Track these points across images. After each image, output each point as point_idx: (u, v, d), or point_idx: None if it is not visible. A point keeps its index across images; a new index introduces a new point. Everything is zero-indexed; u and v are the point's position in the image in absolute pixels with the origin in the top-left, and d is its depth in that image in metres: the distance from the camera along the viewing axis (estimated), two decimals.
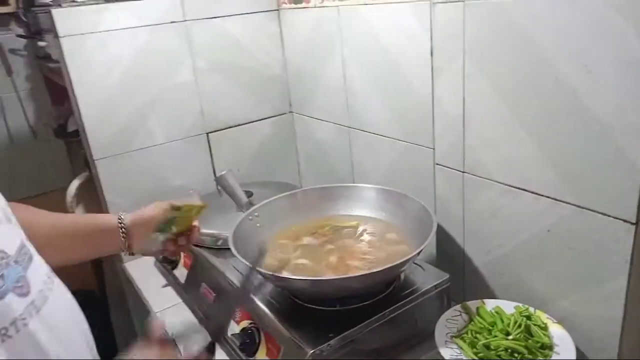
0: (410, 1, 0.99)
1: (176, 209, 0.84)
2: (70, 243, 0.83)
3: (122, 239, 0.84)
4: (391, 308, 0.86)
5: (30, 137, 2.08)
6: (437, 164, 0.99)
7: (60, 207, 1.50)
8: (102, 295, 1.97)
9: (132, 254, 0.87)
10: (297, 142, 1.56)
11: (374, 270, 0.81)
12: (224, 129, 1.44)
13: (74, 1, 1.24)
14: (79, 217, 0.89)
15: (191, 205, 0.86)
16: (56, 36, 1.17)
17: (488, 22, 0.81)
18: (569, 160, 0.76)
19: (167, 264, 1.21)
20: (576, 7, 0.68)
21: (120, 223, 0.84)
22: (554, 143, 0.77)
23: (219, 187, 1.22)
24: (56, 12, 1.15)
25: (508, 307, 0.85)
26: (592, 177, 0.73)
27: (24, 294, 0.56)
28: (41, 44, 1.70)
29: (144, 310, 1.19)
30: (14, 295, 0.54)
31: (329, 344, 0.79)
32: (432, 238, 0.86)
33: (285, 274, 0.85)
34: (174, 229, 0.86)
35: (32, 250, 0.63)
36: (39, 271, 0.61)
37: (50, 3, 1.46)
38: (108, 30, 1.21)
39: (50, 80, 1.91)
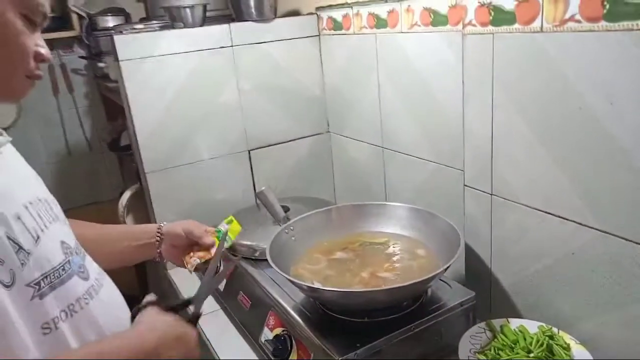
0: (443, 31, 1.05)
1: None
2: (112, 249, 0.92)
3: (156, 244, 0.93)
4: (417, 322, 0.90)
5: (86, 150, 2.24)
6: (466, 186, 1.03)
7: (112, 215, 1.61)
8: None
9: (162, 260, 0.95)
10: (334, 160, 1.63)
11: (401, 284, 0.86)
12: (264, 147, 1.52)
13: (134, 28, 1.36)
14: (122, 226, 0.99)
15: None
16: (116, 59, 1.28)
17: (516, 53, 0.85)
18: (592, 186, 0.78)
19: None
20: (602, 42, 0.72)
21: (159, 231, 0.93)
22: (578, 169, 0.80)
23: (258, 202, 1.29)
24: (117, 38, 1.26)
25: (532, 326, 0.88)
26: (615, 203, 0.76)
27: (85, 279, 0.68)
28: (100, 65, 1.85)
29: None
30: (78, 278, 0.66)
31: (355, 353, 0.83)
32: (459, 256, 0.90)
33: (316, 285, 0.91)
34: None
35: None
36: (93, 264, 0.74)
37: (112, 29, 1.60)
38: (163, 55, 1.32)
39: (106, 98, 2.07)
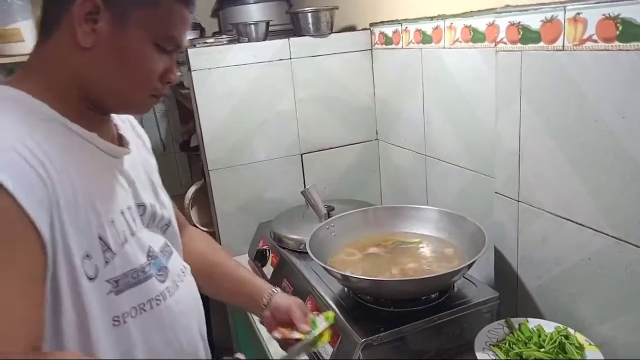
0: (480, 47, 1.12)
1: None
2: (221, 289, 0.97)
3: (262, 308, 0.92)
4: (438, 315, 0.97)
5: (160, 150, 2.48)
6: (496, 193, 1.09)
7: (179, 207, 1.80)
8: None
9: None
10: (381, 166, 1.72)
11: (424, 276, 0.94)
12: (316, 151, 1.64)
13: (205, 42, 1.53)
14: (240, 271, 0.97)
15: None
16: (189, 69, 1.46)
17: (541, 69, 0.92)
18: (607, 194, 0.83)
19: (258, 261, 1.42)
20: (616, 60, 0.78)
21: (269, 297, 0.92)
22: (595, 179, 0.85)
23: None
24: (191, 51, 1.44)
25: (549, 326, 0.93)
26: (628, 211, 0.80)
27: (162, 281, 0.74)
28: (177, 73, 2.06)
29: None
30: (155, 280, 0.72)
31: (378, 336, 0.93)
32: (483, 254, 0.96)
33: (348, 273, 1.01)
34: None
35: (174, 248, 0.81)
36: (176, 264, 0.80)
37: (187, 43, 1.80)
38: (229, 66, 1.48)
39: (180, 104, 2.29)
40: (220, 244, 1.58)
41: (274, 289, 0.94)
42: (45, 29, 0.67)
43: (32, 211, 0.54)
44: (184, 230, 0.97)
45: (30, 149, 0.57)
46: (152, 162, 0.88)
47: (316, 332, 0.86)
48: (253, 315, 1.25)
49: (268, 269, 1.37)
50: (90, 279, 0.62)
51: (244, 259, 1.53)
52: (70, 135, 0.65)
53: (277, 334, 0.89)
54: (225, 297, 1.03)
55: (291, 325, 0.87)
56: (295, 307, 0.89)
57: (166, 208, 0.84)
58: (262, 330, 1.19)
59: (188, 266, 0.84)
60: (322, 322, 0.88)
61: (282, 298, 0.92)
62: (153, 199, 0.80)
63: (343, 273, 1.00)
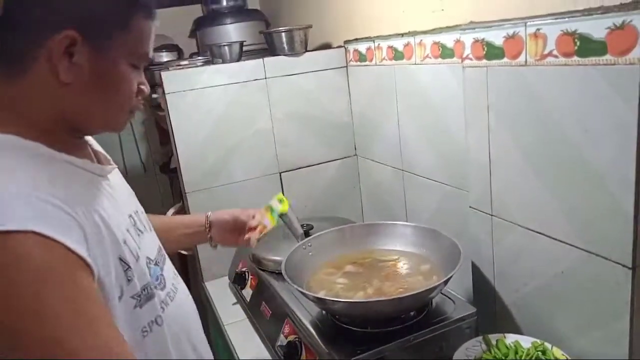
0: (449, 63, 1.13)
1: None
2: (169, 237, 1.04)
3: (206, 231, 1.07)
4: (417, 334, 0.96)
5: (141, 171, 2.46)
6: (471, 207, 1.09)
7: None
8: None
9: (214, 245, 1.10)
10: (361, 182, 1.72)
11: (399, 296, 0.94)
12: (295, 169, 1.64)
13: (179, 65, 1.53)
14: (177, 217, 1.17)
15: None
16: (163, 92, 1.46)
17: (506, 84, 0.92)
18: (576, 207, 0.83)
19: (237, 284, 1.41)
20: (576, 74, 0.78)
21: (207, 220, 1.08)
22: (564, 192, 0.85)
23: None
24: (164, 74, 1.44)
25: (526, 342, 0.92)
26: (595, 224, 0.80)
27: (162, 288, 0.77)
28: (154, 95, 2.05)
29: (218, 324, 1.39)
30: (157, 289, 0.74)
31: (356, 359, 0.91)
32: (459, 269, 0.96)
33: (321, 295, 1.00)
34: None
35: (163, 250, 0.85)
36: (170, 268, 0.83)
37: (164, 64, 1.80)
38: (204, 88, 1.48)
39: (159, 126, 2.27)
40: (200, 267, 1.57)
41: (207, 213, 1.08)
42: (12, 65, 0.64)
43: (73, 245, 0.57)
44: None
45: (53, 194, 0.59)
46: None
47: (279, 209, 1.10)
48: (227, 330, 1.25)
49: (247, 292, 1.36)
50: (119, 298, 0.65)
51: (224, 282, 1.51)
52: (71, 169, 0.67)
53: (251, 243, 1.04)
54: (178, 246, 1.19)
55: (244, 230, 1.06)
56: (237, 213, 1.08)
57: (142, 209, 0.87)
58: (232, 336, 1.24)
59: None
60: (275, 203, 1.11)
61: (219, 214, 1.08)
62: (136, 203, 0.84)
63: (317, 296, 0.99)
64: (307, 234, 1.29)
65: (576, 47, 0.77)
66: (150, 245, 0.79)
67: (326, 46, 1.72)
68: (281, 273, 1.24)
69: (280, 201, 1.12)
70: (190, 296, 0.87)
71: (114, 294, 0.64)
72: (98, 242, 0.62)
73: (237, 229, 1.08)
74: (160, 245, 0.84)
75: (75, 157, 0.68)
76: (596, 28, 0.73)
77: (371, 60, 1.48)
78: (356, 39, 1.54)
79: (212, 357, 0.88)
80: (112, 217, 0.68)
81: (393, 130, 1.43)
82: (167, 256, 0.85)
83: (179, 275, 0.87)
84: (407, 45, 1.29)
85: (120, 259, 0.66)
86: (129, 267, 0.67)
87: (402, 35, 1.29)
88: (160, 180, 2.45)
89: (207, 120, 1.50)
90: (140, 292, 0.69)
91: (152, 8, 0.70)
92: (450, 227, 1.18)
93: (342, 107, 1.66)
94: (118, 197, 0.75)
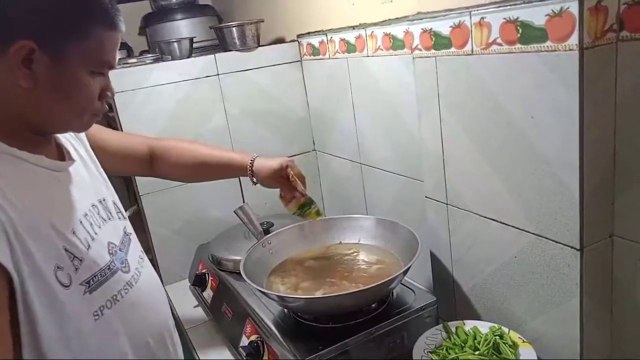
0: (401, 54, 1.13)
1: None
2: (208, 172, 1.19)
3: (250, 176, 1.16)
4: (378, 326, 0.97)
5: None
6: (426, 197, 1.10)
7: None
8: None
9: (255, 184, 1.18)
10: (321, 176, 1.71)
11: (359, 289, 0.93)
12: None
13: (126, 63, 1.48)
14: (220, 154, 1.19)
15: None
16: None
17: (454, 74, 0.93)
18: (525, 193, 0.85)
19: (198, 286, 1.37)
20: (520, 62, 0.79)
21: (250, 165, 1.16)
22: (513, 178, 0.86)
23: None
24: (111, 73, 1.38)
25: (484, 327, 0.94)
26: (544, 207, 0.82)
27: (127, 272, 0.81)
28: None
29: (179, 328, 1.35)
30: (121, 272, 0.79)
31: (318, 355, 0.91)
32: (417, 259, 0.96)
33: (282, 293, 0.99)
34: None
35: (132, 235, 0.89)
36: (135, 253, 0.87)
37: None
38: (154, 86, 1.43)
39: (112, 127, 2.20)
40: (158, 270, 1.52)
41: (252, 158, 1.17)
42: None
43: None
44: (160, 143, 1.15)
45: None
46: (92, 154, 0.92)
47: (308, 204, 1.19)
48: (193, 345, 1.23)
49: (208, 294, 1.33)
50: (66, 286, 0.68)
51: (184, 285, 1.48)
52: (18, 163, 0.70)
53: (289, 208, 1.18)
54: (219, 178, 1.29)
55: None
56: (287, 162, 1.19)
57: (112, 191, 0.91)
58: (194, 339, 1.24)
59: (143, 250, 0.92)
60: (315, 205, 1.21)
61: (262, 162, 1.17)
62: (106, 190, 0.88)
63: (278, 294, 0.97)
64: (267, 231, 1.28)
65: (519, 35, 0.77)
66: (115, 231, 0.83)
67: (279, 40, 1.70)
68: (239, 272, 1.24)
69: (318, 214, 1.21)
70: (159, 282, 0.91)
71: (56, 283, 0.67)
72: (31, 234, 0.64)
73: (283, 177, 1.16)
74: (128, 230, 0.88)
75: (29, 153, 0.71)
76: (536, 15, 0.74)
77: (324, 54, 1.47)
78: (309, 33, 1.52)
79: (180, 346, 0.93)
80: (58, 209, 0.72)
81: (349, 124, 1.43)
82: (133, 241, 0.88)
83: (147, 260, 0.90)
84: (358, 37, 1.28)
85: (66, 250, 0.69)
86: (75, 257, 0.71)
87: (354, 27, 1.28)
88: (116, 183, 2.36)
89: (158, 119, 1.45)
90: (90, 279, 0.72)
91: (113, 18, 0.72)
92: (409, 217, 1.19)
93: (298, 102, 1.64)
94: (78, 188, 0.78)
